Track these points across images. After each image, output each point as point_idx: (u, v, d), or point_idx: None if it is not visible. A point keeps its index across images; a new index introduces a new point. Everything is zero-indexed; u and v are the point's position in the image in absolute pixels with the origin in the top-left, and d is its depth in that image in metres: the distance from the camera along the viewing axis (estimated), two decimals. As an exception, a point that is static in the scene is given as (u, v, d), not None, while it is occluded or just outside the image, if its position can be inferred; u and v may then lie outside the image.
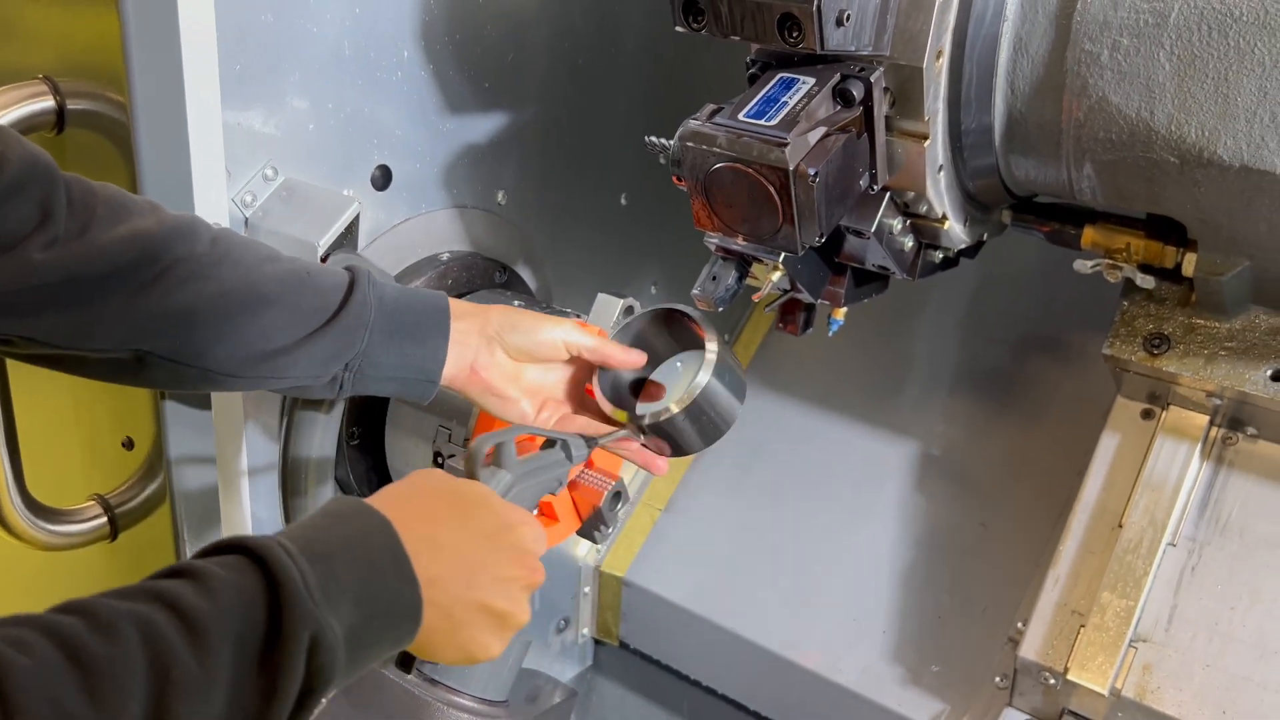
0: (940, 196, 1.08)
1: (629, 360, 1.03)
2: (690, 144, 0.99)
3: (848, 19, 0.93)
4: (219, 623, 0.59)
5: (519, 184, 1.37)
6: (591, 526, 1.19)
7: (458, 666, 1.17)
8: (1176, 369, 1.19)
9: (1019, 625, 1.31)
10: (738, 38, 0.96)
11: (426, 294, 1.01)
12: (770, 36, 0.94)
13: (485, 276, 1.33)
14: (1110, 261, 1.17)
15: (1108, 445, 1.29)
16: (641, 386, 1.08)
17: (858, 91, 0.97)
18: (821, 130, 0.96)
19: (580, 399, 1.06)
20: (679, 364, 1.10)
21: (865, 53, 0.97)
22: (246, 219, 1.08)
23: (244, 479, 1.16)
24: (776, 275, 1.09)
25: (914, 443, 1.57)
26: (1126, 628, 1.19)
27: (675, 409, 0.99)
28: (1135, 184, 1.06)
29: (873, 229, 1.08)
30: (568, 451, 0.95)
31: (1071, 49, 1.01)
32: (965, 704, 1.36)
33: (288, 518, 1.22)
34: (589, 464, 1.15)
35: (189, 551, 1.14)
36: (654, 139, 1.09)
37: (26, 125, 1.03)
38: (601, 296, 1.15)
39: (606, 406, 1.02)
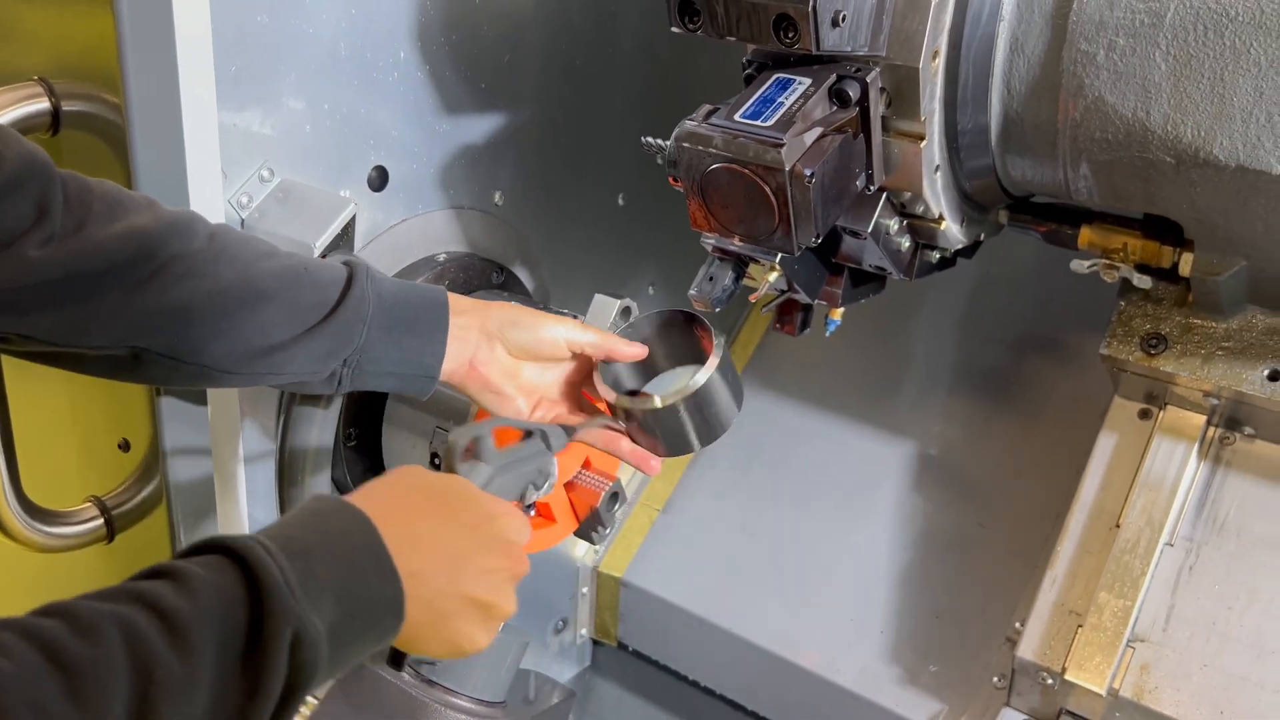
0: (937, 197, 1.08)
1: (631, 353, 1.02)
2: (686, 144, 0.99)
3: (843, 19, 0.93)
4: (200, 622, 0.59)
5: (516, 184, 1.37)
6: (589, 527, 1.19)
7: (455, 667, 1.17)
8: (1174, 369, 1.19)
9: (1017, 625, 1.31)
10: (733, 38, 0.96)
11: (425, 288, 1.01)
12: (766, 37, 0.94)
13: (482, 277, 1.33)
14: (1107, 261, 1.17)
15: (1105, 445, 1.29)
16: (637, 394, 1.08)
17: (854, 92, 0.97)
18: (818, 131, 0.96)
19: (576, 400, 1.06)
20: (678, 371, 1.10)
21: (861, 53, 0.97)
22: (243, 220, 1.08)
23: (240, 480, 1.16)
24: (773, 276, 1.09)
25: (912, 443, 1.57)
26: (1124, 628, 1.19)
27: (672, 400, 0.99)
28: (1131, 184, 1.06)
29: (869, 229, 1.08)
30: (547, 441, 0.95)
31: (1068, 49, 1.01)
32: (963, 704, 1.36)
33: (285, 519, 1.22)
34: (586, 465, 1.15)
35: (186, 553, 1.14)
36: (650, 139, 1.09)
37: (22, 127, 1.02)
38: (598, 297, 1.15)
39: (609, 395, 1.02)
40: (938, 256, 1.21)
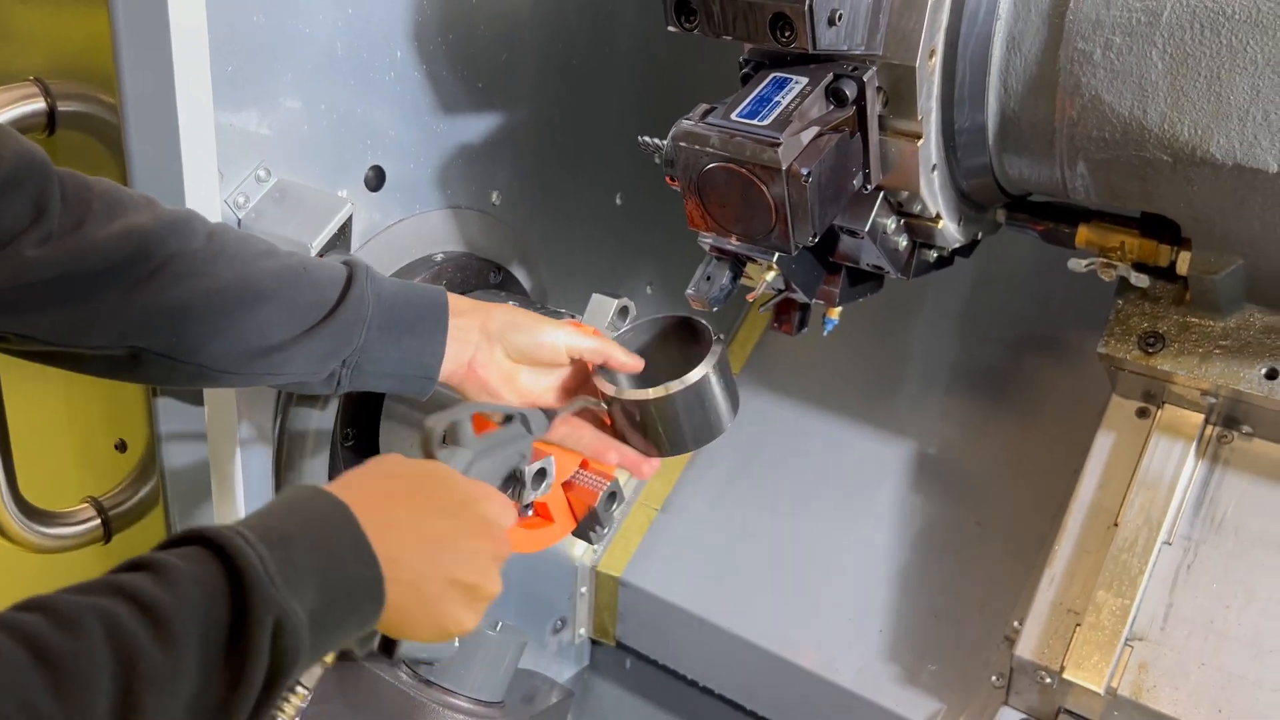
0: (934, 196, 1.08)
1: (628, 364, 1.03)
2: (683, 144, 0.98)
3: (840, 18, 0.93)
4: (182, 613, 0.59)
5: (513, 184, 1.37)
6: (587, 527, 1.19)
7: (453, 667, 1.17)
8: (1171, 367, 1.19)
9: (1015, 624, 1.31)
10: (730, 38, 0.96)
11: (425, 289, 1.01)
12: (762, 36, 0.94)
13: (480, 277, 1.33)
14: (1105, 260, 1.17)
15: (1103, 444, 1.29)
16: None
17: (851, 91, 0.97)
18: (814, 130, 0.96)
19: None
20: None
21: (858, 52, 0.97)
22: (239, 220, 1.08)
23: (238, 480, 1.15)
24: (771, 275, 1.09)
25: (910, 442, 1.57)
26: (1122, 626, 1.19)
27: (668, 392, 0.99)
28: (1129, 183, 1.06)
29: (867, 228, 1.08)
30: (527, 425, 0.95)
31: (1064, 48, 1.01)
32: (962, 703, 1.36)
33: (282, 519, 1.22)
34: (584, 464, 1.14)
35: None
36: (647, 139, 1.09)
37: (17, 127, 1.02)
38: (596, 296, 1.15)
39: (608, 389, 1.02)
40: (935, 255, 1.21)
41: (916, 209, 1.10)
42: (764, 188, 0.95)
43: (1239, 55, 0.94)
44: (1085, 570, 1.24)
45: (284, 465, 1.19)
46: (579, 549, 1.64)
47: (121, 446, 1.22)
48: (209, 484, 1.13)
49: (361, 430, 1.26)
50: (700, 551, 1.60)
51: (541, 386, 1.03)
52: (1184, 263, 1.12)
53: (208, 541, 0.63)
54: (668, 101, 1.17)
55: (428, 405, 1.10)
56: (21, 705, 0.53)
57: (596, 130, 1.46)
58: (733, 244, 1.06)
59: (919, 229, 1.14)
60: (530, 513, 1.17)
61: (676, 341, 1.07)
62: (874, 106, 0.99)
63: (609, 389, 1.02)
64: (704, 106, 1.01)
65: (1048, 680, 1.22)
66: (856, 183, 1.02)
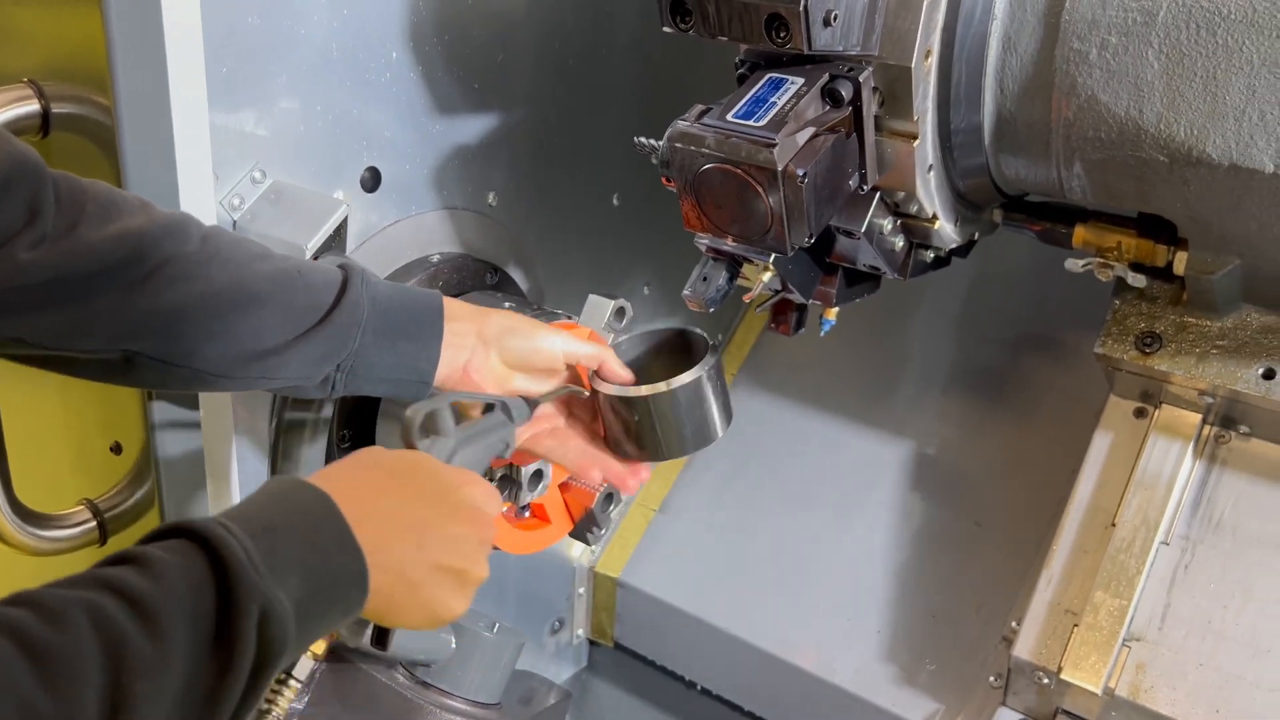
0: (930, 196, 1.08)
1: (622, 375, 1.03)
2: (679, 145, 0.98)
3: (835, 19, 0.93)
4: (168, 603, 0.59)
5: (510, 185, 1.37)
6: (584, 528, 1.19)
7: (450, 669, 1.17)
8: (1168, 368, 1.19)
9: (1013, 624, 1.31)
10: (725, 38, 0.96)
11: (420, 293, 1.01)
12: (758, 37, 0.93)
13: (476, 278, 1.33)
14: (1101, 260, 1.17)
15: (1100, 444, 1.29)
16: None
17: (846, 91, 0.97)
18: (810, 130, 0.95)
19: (568, 412, 1.06)
20: None
21: (853, 53, 0.97)
22: (234, 222, 1.08)
23: (234, 482, 1.15)
24: (767, 276, 1.09)
25: (907, 442, 1.57)
26: (1120, 627, 1.19)
27: (663, 389, 0.99)
28: (1125, 183, 1.06)
29: (863, 229, 1.08)
30: (508, 413, 0.95)
31: (1060, 47, 1.01)
32: (959, 704, 1.36)
33: (278, 521, 1.21)
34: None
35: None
36: (643, 140, 1.08)
37: (11, 129, 1.02)
38: (592, 298, 1.15)
39: (605, 388, 1.02)
40: (932, 256, 1.21)
41: (913, 209, 1.10)
42: (760, 189, 0.95)
43: (1235, 55, 0.94)
44: (1083, 570, 1.24)
45: (280, 466, 1.19)
46: (577, 549, 1.64)
47: (117, 449, 1.22)
48: (204, 486, 1.13)
49: (358, 431, 1.26)
50: (698, 552, 1.60)
51: (535, 394, 1.03)
52: (1181, 263, 1.12)
53: (191, 534, 0.64)
54: (665, 102, 1.16)
55: (424, 406, 1.10)
56: (12, 698, 0.53)
57: (593, 131, 1.46)
58: (729, 245, 1.06)
59: (915, 229, 1.14)
60: (527, 514, 1.17)
61: (671, 354, 1.08)
62: (870, 107, 0.99)
63: (606, 389, 1.02)
64: (700, 107, 1.01)
65: (1045, 680, 1.22)
66: (852, 183, 1.02)
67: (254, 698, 0.63)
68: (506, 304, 1.24)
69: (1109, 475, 1.27)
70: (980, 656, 1.38)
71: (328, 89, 1.13)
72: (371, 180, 1.20)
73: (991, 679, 1.35)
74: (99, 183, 0.88)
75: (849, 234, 1.09)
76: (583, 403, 1.06)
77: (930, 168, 1.06)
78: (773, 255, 1.06)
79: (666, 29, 0.98)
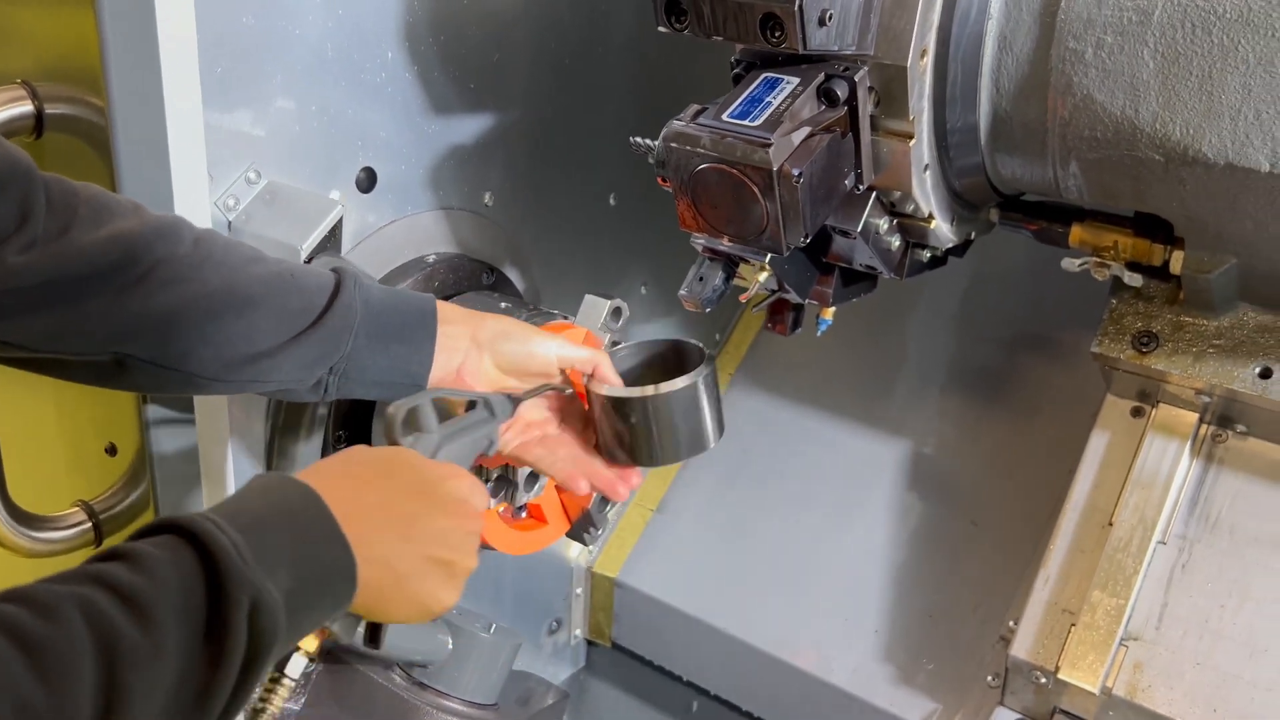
0: (926, 195, 1.08)
1: (616, 382, 1.03)
2: (674, 145, 0.98)
3: (830, 18, 0.93)
4: (159, 597, 0.60)
5: (506, 185, 1.37)
6: (581, 528, 1.19)
7: (446, 669, 1.16)
8: (1165, 367, 1.19)
9: (1010, 624, 1.31)
10: (720, 38, 0.96)
11: (413, 296, 1.00)
12: (753, 37, 0.93)
13: (472, 278, 1.33)
14: (1098, 259, 1.16)
15: (1098, 443, 1.29)
16: None
17: (842, 91, 0.97)
18: (806, 130, 0.95)
19: (559, 420, 1.06)
20: None
21: (849, 52, 0.97)
22: (229, 223, 1.07)
23: (229, 483, 1.15)
24: (764, 276, 1.09)
25: (904, 442, 1.57)
26: (1117, 626, 1.19)
27: (659, 391, 0.99)
28: (1121, 182, 1.06)
29: (859, 229, 1.08)
30: (491, 409, 0.95)
31: (1056, 47, 1.01)
32: (957, 703, 1.36)
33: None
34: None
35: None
36: (639, 140, 1.08)
37: (4, 130, 1.02)
38: (589, 298, 1.14)
39: (601, 389, 1.02)
40: (928, 255, 1.20)
41: (909, 209, 1.10)
42: (755, 189, 0.94)
43: (1230, 54, 0.94)
44: (1080, 570, 1.24)
45: (275, 467, 1.19)
46: (574, 550, 1.64)
47: (112, 450, 1.21)
48: (200, 487, 1.13)
49: (354, 432, 1.26)
50: (696, 552, 1.60)
51: (529, 400, 1.03)
52: (1177, 262, 1.12)
53: (180, 529, 0.64)
54: (661, 101, 1.16)
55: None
56: (5, 692, 0.53)
57: (590, 130, 1.46)
58: (725, 245, 1.05)
59: (912, 229, 1.14)
60: (524, 515, 1.17)
61: (666, 365, 1.08)
62: (865, 106, 0.99)
63: (602, 389, 1.02)
64: (695, 107, 1.01)
65: (1043, 680, 1.22)
66: (848, 183, 1.01)
67: (246, 691, 0.63)
68: (503, 304, 1.23)
69: (1106, 475, 1.27)
70: (978, 656, 1.38)
71: (323, 89, 1.13)
72: (367, 180, 1.20)
73: (989, 679, 1.34)
74: (91, 185, 0.88)
75: (845, 234, 1.09)
76: (574, 411, 1.06)
77: (926, 167, 1.06)
78: (769, 255, 1.06)
79: (662, 29, 0.98)
